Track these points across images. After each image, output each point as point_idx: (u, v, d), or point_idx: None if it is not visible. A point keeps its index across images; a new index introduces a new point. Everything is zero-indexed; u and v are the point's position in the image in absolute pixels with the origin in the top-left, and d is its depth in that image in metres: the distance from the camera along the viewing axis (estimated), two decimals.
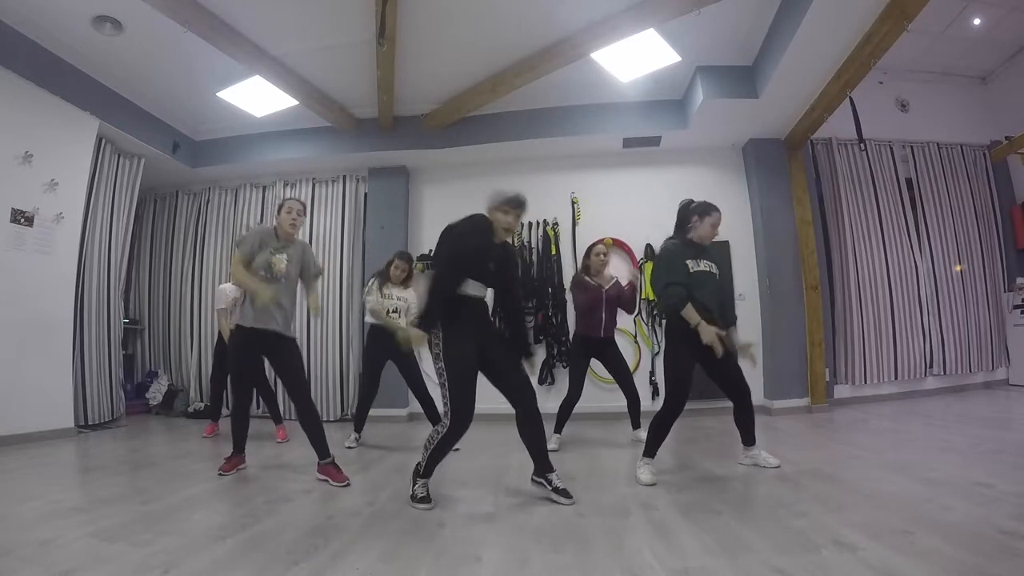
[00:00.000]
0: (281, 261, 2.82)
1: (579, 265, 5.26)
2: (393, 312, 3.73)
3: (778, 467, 2.73)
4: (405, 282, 3.84)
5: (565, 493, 2.29)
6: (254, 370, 3.01)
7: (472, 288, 2.33)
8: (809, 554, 1.61)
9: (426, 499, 2.28)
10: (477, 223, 2.34)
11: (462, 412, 2.23)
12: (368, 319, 3.82)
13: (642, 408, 3.74)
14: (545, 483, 2.34)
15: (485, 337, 2.36)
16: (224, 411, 4.51)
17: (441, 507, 2.26)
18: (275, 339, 2.82)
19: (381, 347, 3.69)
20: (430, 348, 2.30)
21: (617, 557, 1.67)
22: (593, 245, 3.79)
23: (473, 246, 2.30)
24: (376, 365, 3.76)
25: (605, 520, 2.04)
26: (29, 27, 3.96)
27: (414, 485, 2.33)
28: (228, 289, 4.23)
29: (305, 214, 2.97)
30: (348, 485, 2.64)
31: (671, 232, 2.88)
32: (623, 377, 3.65)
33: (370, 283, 3.83)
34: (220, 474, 2.86)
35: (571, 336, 3.79)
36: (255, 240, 2.81)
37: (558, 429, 3.64)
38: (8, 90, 3.87)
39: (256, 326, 2.76)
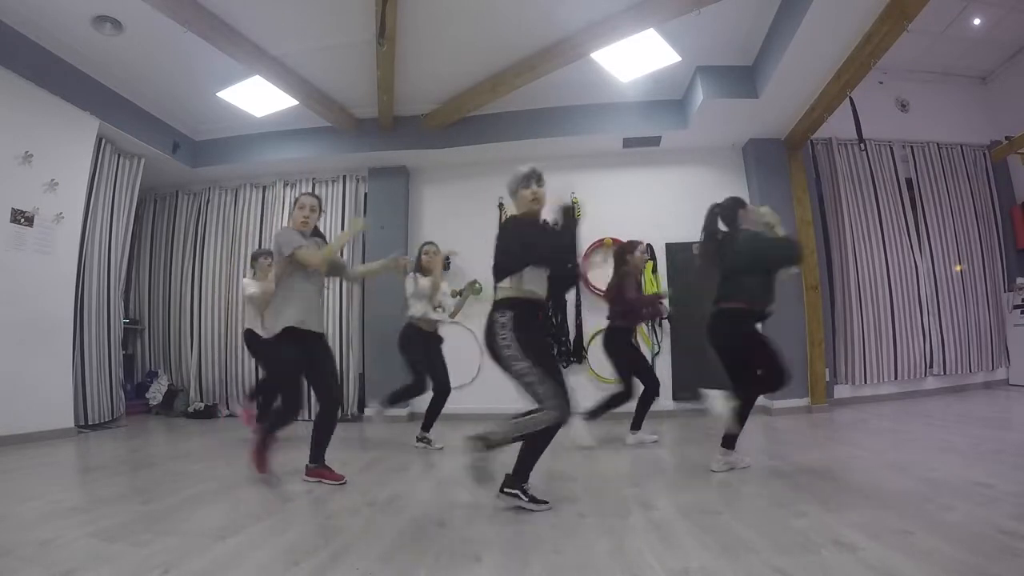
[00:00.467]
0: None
1: (581, 264, 5.31)
2: (437, 307, 3.74)
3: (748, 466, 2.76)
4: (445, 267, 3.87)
5: (541, 501, 2.17)
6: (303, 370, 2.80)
7: (538, 287, 2.25)
8: (809, 554, 1.61)
9: (541, 500, 2.16)
10: (524, 225, 2.28)
11: (565, 400, 2.11)
12: (415, 313, 3.68)
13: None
14: (521, 494, 2.16)
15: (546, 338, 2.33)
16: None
17: (441, 507, 2.26)
18: (315, 339, 2.75)
19: (422, 345, 3.69)
20: (501, 347, 2.14)
21: (617, 557, 1.66)
22: (637, 243, 3.80)
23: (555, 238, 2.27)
24: (421, 365, 3.69)
25: (605, 520, 2.04)
26: (29, 27, 3.96)
27: (521, 496, 2.13)
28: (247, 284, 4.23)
29: (319, 211, 2.86)
30: (345, 482, 2.63)
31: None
32: (647, 371, 3.69)
33: (411, 276, 3.74)
34: (262, 474, 2.71)
35: (612, 331, 3.69)
36: (296, 235, 2.71)
37: (637, 425, 3.62)
38: (8, 90, 3.87)
39: (308, 328, 2.69)
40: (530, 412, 2.15)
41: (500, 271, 2.25)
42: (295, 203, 2.86)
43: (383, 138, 5.42)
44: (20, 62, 3.95)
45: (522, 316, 2.18)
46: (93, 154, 4.61)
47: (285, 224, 2.79)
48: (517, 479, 2.18)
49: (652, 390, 3.62)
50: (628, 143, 5.37)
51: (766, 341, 2.77)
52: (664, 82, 4.86)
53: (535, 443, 2.18)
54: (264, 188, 5.97)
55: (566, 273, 2.39)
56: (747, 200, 3.09)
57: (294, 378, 2.73)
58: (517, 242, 2.22)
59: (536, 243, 2.20)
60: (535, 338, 2.20)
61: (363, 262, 5.58)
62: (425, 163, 5.66)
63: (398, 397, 3.77)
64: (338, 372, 2.87)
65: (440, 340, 3.82)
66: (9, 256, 3.90)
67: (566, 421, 2.14)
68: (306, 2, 3.83)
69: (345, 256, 5.57)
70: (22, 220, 3.99)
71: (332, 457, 2.82)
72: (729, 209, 2.94)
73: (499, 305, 2.22)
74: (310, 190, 5.81)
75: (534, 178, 2.33)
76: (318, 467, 2.71)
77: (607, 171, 5.54)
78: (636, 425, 3.67)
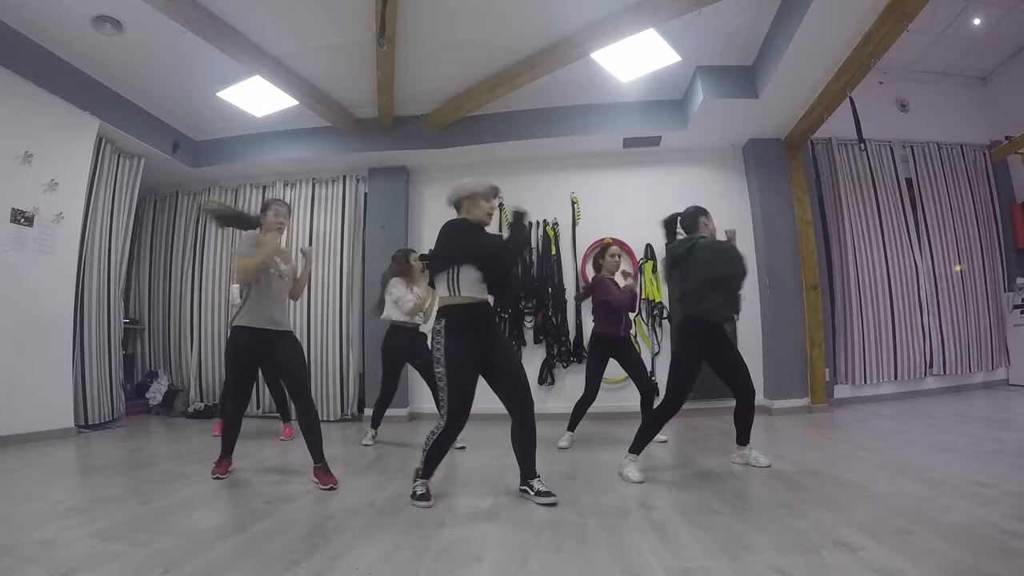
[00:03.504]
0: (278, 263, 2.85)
1: (581, 264, 5.32)
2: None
3: (769, 466, 2.75)
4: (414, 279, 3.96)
5: (547, 494, 2.28)
6: (253, 373, 2.94)
7: (476, 292, 2.35)
8: (809, 554, 1.61)
9: (425, 496, 2.30)
10: (469, 228, 2.40)
11: (459, 415, 2.27)
12: (396, 316, 3.84)
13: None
14: (528, 490, 2.34)
15: (490, 343, 2.38)
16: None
17: (441, 507, 2.26)
18: (271, 337, 2.78)
19: (403, 348, 3.83)
20: (434, 353, 2.32)
21: (617, 557, 1.67)
22: (608, 245, 3.87)
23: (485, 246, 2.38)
24: (396, 366, 3.87)
25: (605, 520, 2.04)
26: (29, 27, 3.96)
27: (414, 483, 2.36)
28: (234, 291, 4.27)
29: (288, 217, 2.93)
30: (334, 488, 2.58)
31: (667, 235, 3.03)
32: (640, 374, 3.67)
33: (392, 281, 3.87)
34: (215, 477, 2.81)
35: (590, 335, 3.80)
36: (250, 245, 2.80)
37: (572, 427, 3.70)
38: (8, 90, 3.87)
39: (253, 325, 2.74)
40: (430, 433, 2.35)
41: (434, 275, 2.42)
42: (267, 208, 2.91)
43: (383, 138, 5.42)
44: (20, 62, 3.94)
45: (453, 323, 2.30)
46: (93, 154, 4.61)
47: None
48: (523, 478, 2.38)
49: (647, 394, 3.63)
50: (628, 143, 5.37)
51: (682, 361, 2.78)
52: (664, 82, 4.86)
53: (517, 444, 2.40)
54: (264, 188, 5.96)
55: (501, 275, 2.46)
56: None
57: (233, 372, 2.90)
58: (454, 244, 2.34)
59: (475, 245, 2.32)
60: (459, 347, 2.28)
61: (363, 262, 5.58)
62: (425, 163, 5.66)
63: (379, 415, 3.95)
64: (302, 370, 2.90)
65: (422, 338, 3.90)
66: (9, 256, 3.89)
67: (455, 434, 2.33)
68: (306, 2, 3.82)
69: (345, 260, 5.58)
70: (22, 220, 3.99)
71: (332, 456, 2.82)
72: (686, 223, 2.93)
73: (438, 313, 2.36)
74: (310, 190, 5.81)
75: (497, 196, 2.48)
76: (316, 467, 2.70)
77: (607, 171, 5.53)
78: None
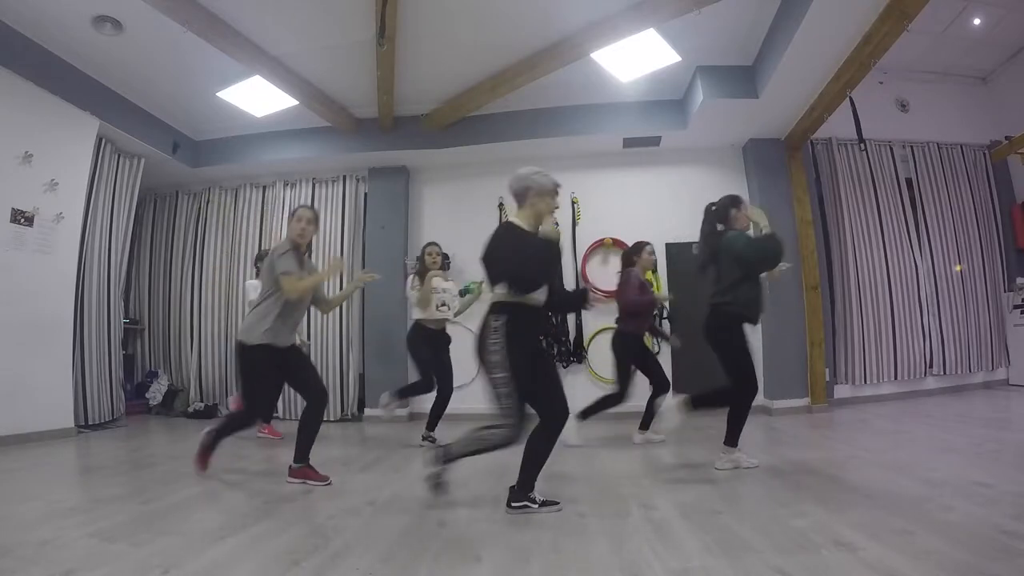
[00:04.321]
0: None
1: (581, 264, 5.32)
2: (441, 306, 3.76)
3: (757, 466, 2.76)
4: (443, 268, 3.92)
5: (550, 502, 2.19)
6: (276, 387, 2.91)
7: (540, 295, 2.22)
8: (809, 554, 1.61)
9: (550, 501, 2.19)
10: (547, 241, 2.20)
11: (560, 411, 2.18)
12: (416, 314, 3.79)
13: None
14: (529, 504, 2.17)
15: (539, 350, 2.35)
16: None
17: (441, 507, 2.26)
18: (285, 352, 2.78)
19: (429, 345, 3.73)
20: (490, 352, 2.11)
21: (617, 557, 1.67)
22: (644, 243, 3.79)
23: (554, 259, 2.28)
24: (429, 365, 3.75)
25: (605, 520, 2.04)
26: (29, 27, 3.96)
27: (526, 499, 2.17)
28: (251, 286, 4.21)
29: (316, 224, 2.85)
30: (330, 483, 2.61)
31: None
32: (659, 370, 3.69)
33: (410, 279, 3.87)
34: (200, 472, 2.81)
35: (617, 334, 3.68)
36: (291, 259, 2.71)
37: (645, 425, 3.67)
38: (8, 90, 3.87)
39: (278, 346, 2.71)
40: (487, 427, 2.16)
41: (503, 278, 2.16)
42: (292, 214, 2.83)
43: (383, 138, 5.42)
44: (20, 62, 3.94)
45: (516, 322, 2.11)
46: (93, 154, 4.61)
47: (284, 235, 2.86)
48: (523, 491, 2.19)
49: (662, 389, 3.66)
50: (628, 143, 5.37)
51: (745, 348, 2.76)
52: (664, 82, 4.86)
53: (535, 454, 2.18)
54: (264, 188, 5.97)
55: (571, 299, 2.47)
56: (747, 199, 3.13)
57: (261, 389, 2.78)
58: (533, 258, 2.13)
59: (549, 265, 2.21)
60: (523, 350, 2.12)
61: (363, 264, 5.59)
62: (425, 163, 5.66)
63: (407, 392, 3.88)
64: (316, 370, 2.92)
65: (448, 340, 3.87)
66: (9, 256, 3.89)
67: (515, 443, 2.14)
68: (306, 2, 3.83)
69: (345, 259, 5.58)
70: (22, 220, 3.99)
71: (332, 456, 2.82)
72: (722, 208, 2.90)
73: (494, 308, 2.16)
74: (310, 190, 5.81)
75: (559, 191, 2.29)
76: (302, 467, 2.70)
77: (607, 171, 5.53)
78: (644, 425, 3.69)
